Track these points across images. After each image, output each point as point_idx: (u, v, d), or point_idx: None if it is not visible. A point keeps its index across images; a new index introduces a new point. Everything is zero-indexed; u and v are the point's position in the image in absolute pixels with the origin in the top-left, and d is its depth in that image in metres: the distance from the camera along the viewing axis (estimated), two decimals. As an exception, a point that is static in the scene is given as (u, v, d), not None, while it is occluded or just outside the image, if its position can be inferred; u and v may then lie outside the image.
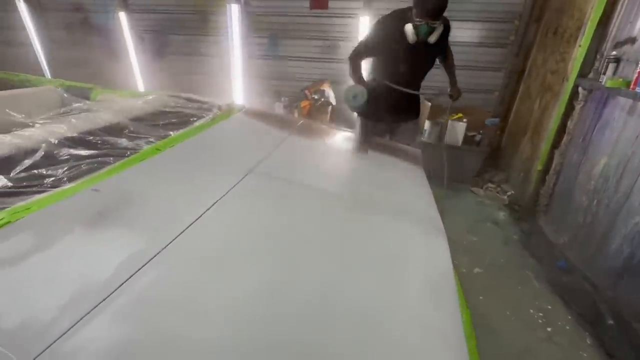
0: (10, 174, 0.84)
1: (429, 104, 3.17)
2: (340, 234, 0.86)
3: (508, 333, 1.64)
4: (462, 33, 3.21)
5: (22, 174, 0.85)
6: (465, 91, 3.44)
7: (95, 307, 0.51)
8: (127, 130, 1.23)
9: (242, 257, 0.70)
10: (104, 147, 1.07)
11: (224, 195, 0.87)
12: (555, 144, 2.42)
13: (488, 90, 3.38)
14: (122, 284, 0.56)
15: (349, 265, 0.74)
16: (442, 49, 1.92)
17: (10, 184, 0.81)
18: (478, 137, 3.08)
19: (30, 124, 1.24)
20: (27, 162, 0.91)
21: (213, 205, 0.82)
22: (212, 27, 3.69)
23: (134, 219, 0.73)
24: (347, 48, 2.20)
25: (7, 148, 0.93)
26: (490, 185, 3.24)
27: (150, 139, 1.19)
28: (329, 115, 3.52)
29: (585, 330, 1.67)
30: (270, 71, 3.75)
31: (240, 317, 0.57)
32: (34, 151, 0.96)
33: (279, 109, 3.58)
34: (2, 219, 0.65)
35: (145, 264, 0.61)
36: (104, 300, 0.53)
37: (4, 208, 0.69)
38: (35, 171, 0.87)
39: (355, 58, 1.94)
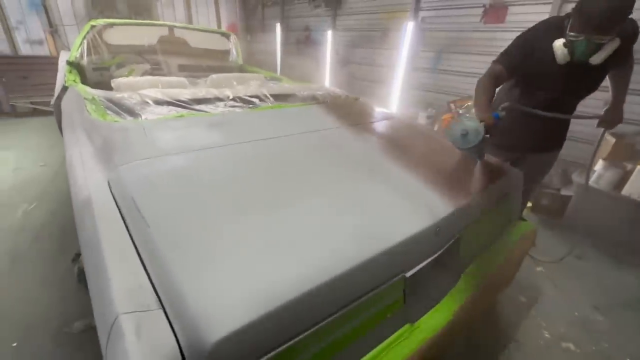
0: (202, 103, 1.66)
1: (613, 139, 2.42)
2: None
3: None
4: None
5: (206, 105, 1.66)
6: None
7: (196, 151, 1.11)
8: (270, 98, 1.91)
9: (286, 164, 1.15)
10: (249, 102, 1.78)
11: (291, 135, 1.36)
12: None
13: None
14: (210, 148, 1.14)
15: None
16: (613, 68, 1.38)
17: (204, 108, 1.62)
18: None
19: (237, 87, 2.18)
20: (218, 102, 1.73)
21: (282, 137, 1.32)
22: (389, 41, 4.23)
23: (228, 128, 1.34)
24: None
25: (208, 93, 1.79)
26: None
27: (273, 103, 1.83)
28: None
29: None
30: (427, 83, 3.89)
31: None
32: (221, 101, 1.77)
33: (422, 118, 3.70)
34: (182, 114, 1.40)
35: (226, 145, 1.18)
36: (200, 150, 1.12)
37: (189, 111, 1.46)
38: (213, 106, 1.67)
39: (488, 79, 1.43)
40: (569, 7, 2.83)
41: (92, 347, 1.40)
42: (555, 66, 1.33)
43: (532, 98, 1.48)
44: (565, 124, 1.63)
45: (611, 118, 1.45)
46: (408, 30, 3.86)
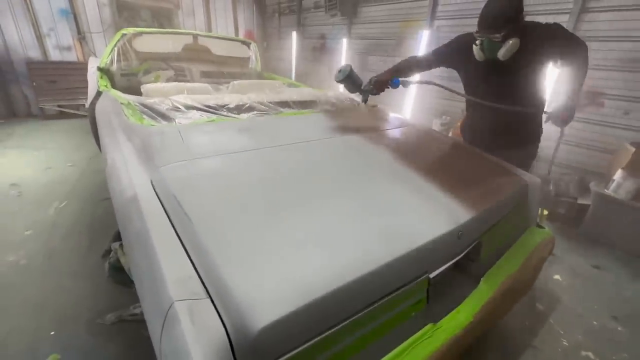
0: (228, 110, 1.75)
1: (633, 149, 2.40)
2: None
3: None
4: None
5: (233, 111, 1.74)
6: None
7: (229, 154, 1.19)
8: (290, 105, 1.99)
9: (304, 166, 1.22)
10: (273, 108, 1.85)
11: (316, 140, 1.43)
12: None
13: None
14: (242, 152, 1.22)
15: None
16: (542, 63, 1.49)
17: (230, 113, 1.70)
18: None
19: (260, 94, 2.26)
20: (243, 108, 1.81)
21: (307, 141, 1.40)
22: (403, 49, 4.28)
23: (256, 133, 1.41)
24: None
25: (234, 100, 1.87)
26: None
27: (294, 109, 1.90)
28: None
29: None
30: (442, 91, 3.90)
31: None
32: (246, 107, 1.85)
33: (436, 126, 3.72)
34: (212, 119, 1.48)
35: (256, 149, 1.25)
36: (233, 153, 1.20)
37: (218, 116, 1.54)
38: (240, 112, 1.74)
39: (415, 58, 1.86)
40: (588, 17, 2.84)
41: (122, 338, 1.48)
42: (478, 64, 1.57)
43: (474, 94, 1.69)
44: (520, 122, 1.65)
45: (557, 115, 1.45)
46: (423, 39, 3.92)
